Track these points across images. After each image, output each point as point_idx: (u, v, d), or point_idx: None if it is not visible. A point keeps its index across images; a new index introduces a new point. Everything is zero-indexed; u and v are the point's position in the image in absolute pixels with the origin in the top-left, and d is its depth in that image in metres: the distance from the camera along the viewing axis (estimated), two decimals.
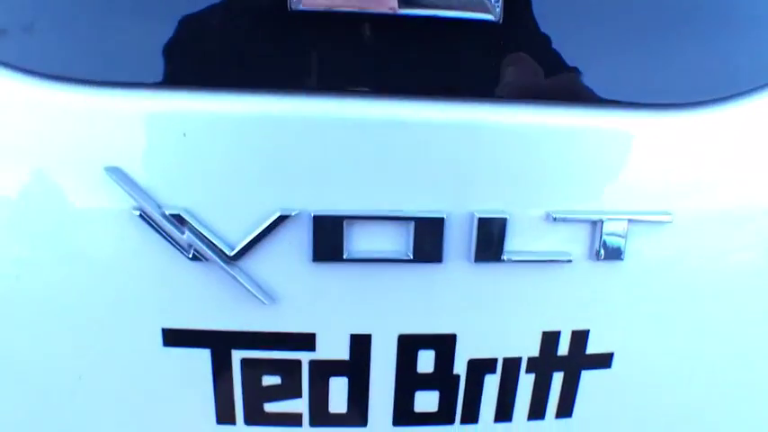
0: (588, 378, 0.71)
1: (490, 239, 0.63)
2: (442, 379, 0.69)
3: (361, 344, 0.66)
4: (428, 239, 0.62)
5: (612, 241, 0.65)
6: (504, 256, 0.63)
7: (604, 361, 0.70)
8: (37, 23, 0.59)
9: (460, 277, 0.64)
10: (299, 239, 0.62)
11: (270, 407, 0.68)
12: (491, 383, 0.69)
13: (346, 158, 0.61)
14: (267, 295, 0.63)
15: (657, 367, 0.72)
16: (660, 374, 0.73)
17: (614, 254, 0.65)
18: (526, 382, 0.70)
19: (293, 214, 0.60)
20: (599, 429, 0.75)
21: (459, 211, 0.62)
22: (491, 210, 0.63)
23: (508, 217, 0.63)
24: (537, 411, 0.72)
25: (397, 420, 0.70)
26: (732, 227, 0.68)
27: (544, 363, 0.69)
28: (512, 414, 0.71)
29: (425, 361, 0.68)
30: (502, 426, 0.72)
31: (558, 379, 0.71)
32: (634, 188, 0.65)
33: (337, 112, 0.60)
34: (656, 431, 0.76)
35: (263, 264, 0.62)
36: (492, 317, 0.67)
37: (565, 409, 0.72)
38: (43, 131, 0.59)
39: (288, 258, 0.62)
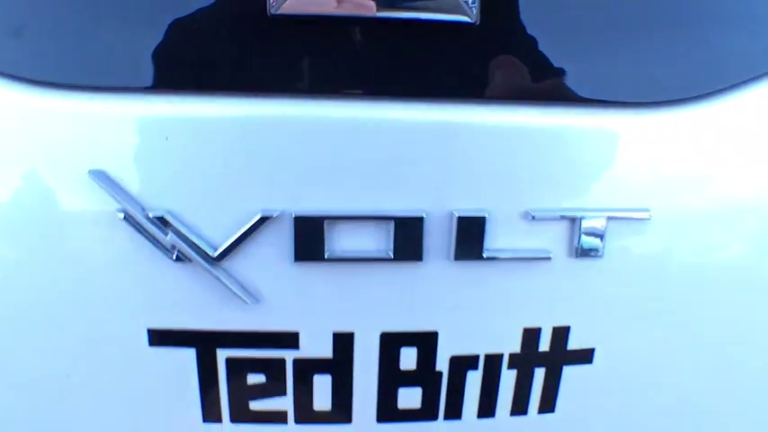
0: (570, 374, 0.72)
1: (469, 238, 0.64)
2: (425, 376, 0.69)
3: (343, 342, 0.67)
4: (408, 238, 0.63)
5: (591, 238, 0.66)
6: (484, 254, 0.64)
7: (585, 357, 0.71)
8: (20, 30, 0.60)
9: (441, 275, 0.65)
10: (280, 240, 0.63)
11: (255, 405, 0.69)
12: (473, 380, 0.70)
13: (327, 160, 0.61)
14: (250, 295, 0.64)
15: (638, 363, 0.73)
16: (641, 370, 0.74)
17: (593, 251, 0.66)
18: (508, 378, 0.71)
19: (275, 215, 0.61)
20: (582, 425, 0.76)
21: (439, 210, 0.63)
22: (470, 209, 0.63)
23: (487, 215, 0.63)
24: (520, 407, 0.73)
25: (381, 417, 0.71)
26: (711, 224, 0.69)
27: (526, 359, 0.70)
28: (494, 410, 0.72)
29: (408, 358, 0.68)
30: (485, 422, 0.72)
31: (539, 375, 0.71)
32: (613, 186, 0.66)
33: (317, 114, 0.61)
34: (639, 426, 0.77)
35: (245, 264, 0.63)
36: (473, 314, 0.67)
37: (547, 405, 0.73)
38: (27, 135, 0.60)
39: (270, 259, 0.63)
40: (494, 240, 0.65)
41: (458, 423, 0.72)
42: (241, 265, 0.63)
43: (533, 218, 0.64)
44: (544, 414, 0.73)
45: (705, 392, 0.76)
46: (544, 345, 0.70)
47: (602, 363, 0.72)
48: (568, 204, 0.65)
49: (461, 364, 0.69)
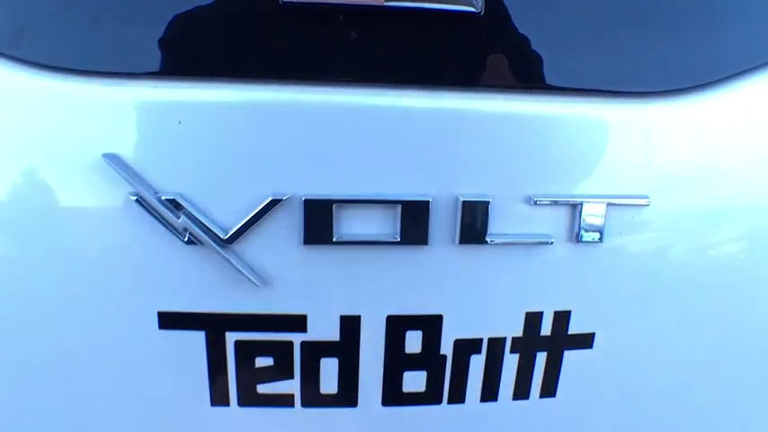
0: (571, 358, 0.73)
1: (474, 222, 0.65)
2: (430, 359, 0.71)
3: (350, 325, 0.68)
4: (414, 222, 0.65)
5: (591, 224, 0.67)
6: (488, 239, 0.66)
7: (586, 341, 0.73)
8: (33, 15, 0.61)
9: (446, 259, 0.67)
10: (290, 223, 0.64)
11: (263, 388, 0.70)
12: (477, 363, 0.72)
13: (336, 145, 0.63)
14: (260, 278, 0.65)
15: (637, 347, 0.75)
16: (640, 354, 0.75)
17: (593, 236, 0.68)
18: (511, 362, 0.72)
19: (284, 199, 0.63)
20: (582, 409, 0.77)
21: (444, 195, 0.65)
22: (474, 194, 0.65)
23: (491, 200, 0.65)
24: (522, 391, 0.74)
25: (387, 400, 0.72)
26: (709, 212, 0.71)
27: (528, 343, 0.72)
28: (497, 394, 0.73)
29: (413, 341, 0.70)
30: (488, 405, 0.74)
31: (541, 359, 0.73)
32: (613, 174, 0.68)
33: (327, 100, 0.63)
34: (638, 410, 0.78)
35: (255, 247, 0.65)
36: (477, 298, 0.69)
37: (549, 389, 0.75)
38: (43, 120, 0.61)
39: (280, 241, 0.65)
40: (497, 225, 0.66)
41: (461, 407, 0.73)
42: (251, 247, 0.64)
43: (535, 203, 0.66)
44: (545, 398, 0.75)
45: (703, 377, 0.78)
46: (546, 329, 0.71)
47: (602, 347, 0.73)
48: (570, 191, 0.67)
49: (465, 348, 0.71)
